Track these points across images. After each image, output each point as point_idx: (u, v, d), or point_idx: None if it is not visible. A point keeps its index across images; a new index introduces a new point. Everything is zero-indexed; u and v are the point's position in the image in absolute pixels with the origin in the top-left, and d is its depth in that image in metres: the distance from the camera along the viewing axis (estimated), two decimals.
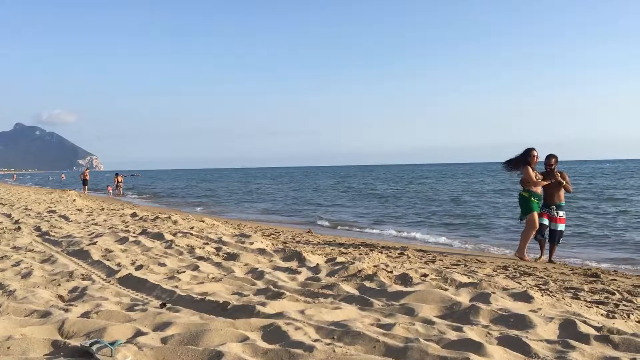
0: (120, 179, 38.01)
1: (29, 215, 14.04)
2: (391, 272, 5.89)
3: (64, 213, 14.43)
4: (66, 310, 4.29)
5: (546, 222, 9.03)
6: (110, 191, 38.52)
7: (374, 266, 6.29)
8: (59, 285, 5.47)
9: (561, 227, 9.07)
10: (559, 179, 8.93)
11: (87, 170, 40.47)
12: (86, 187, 37.81)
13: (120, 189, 37.54)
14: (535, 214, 8.89)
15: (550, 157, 9.12)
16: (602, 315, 4.44)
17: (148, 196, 36.92)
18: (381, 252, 8.55)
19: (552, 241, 9.02)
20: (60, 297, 5.04)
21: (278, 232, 12.62)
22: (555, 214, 9.00)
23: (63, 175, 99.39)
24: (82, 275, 6.01)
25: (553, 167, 9.04)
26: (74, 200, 22.06)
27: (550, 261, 8.86)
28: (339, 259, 6.82)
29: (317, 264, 6.55)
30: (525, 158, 9.00)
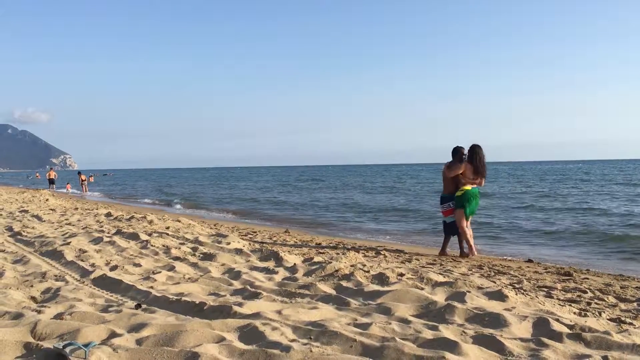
0: (83, 177, 38.78)
1: (1, 215, 13.78)
2: (368, 271, 5.91)
3: (37, 213, 14.19)
4: (39, 312, 4.22)
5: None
6: (69, 189, 39.20)
7: (351, 266, 6.31)
8: (32, 286, 5.38)
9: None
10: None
11: (52, 170, 41.04)
12: (53, 185, 38.40)
13: (85, 187, 38.18)
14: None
15: (463, 148, 9.14)
16: (574, 313, 4.52)
17: (122, 196, 36.64)
18: (358, 252, 8.58)
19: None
20: (33, 299, 4.95)
21: (255, 232, 12.58)
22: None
23: (37, 174, 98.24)
24: (55, 276, 5.92)
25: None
26: (47, 199, 21.71)
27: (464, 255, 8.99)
28: (316, 259, 6.82)
29: (294, 264, 6.54)
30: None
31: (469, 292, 4.85)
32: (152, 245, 8.04)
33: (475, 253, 9.01)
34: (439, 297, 4.75)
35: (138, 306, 4.48)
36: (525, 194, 28.19)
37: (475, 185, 8.86)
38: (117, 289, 5.28)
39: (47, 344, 3.37)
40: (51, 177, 39.61)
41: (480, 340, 3.51)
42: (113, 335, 3.57)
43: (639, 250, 10.49)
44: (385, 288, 5.08)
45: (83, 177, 39.12)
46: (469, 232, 8.95)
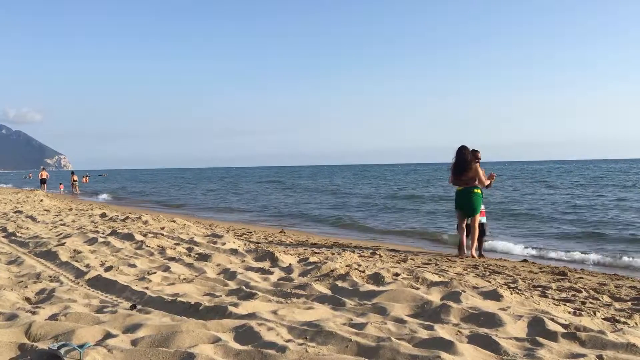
0: (75, 177, 39.27)
1: None
2: (363, 271, 5.91)
3: (31, 213, 14.13)
4: (33, 313, 4.20)
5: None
6: (62, 189, 39.84)
7: (347, 266, 6.30)
8: (26, 287, 5.35)
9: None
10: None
11: (44, 170, 41.32)
12: (45, 185, 38.71)
13: (76, 187, 38.70)
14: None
15: (476, 151, 9.12)
16: (569, 312, 4.53)
17: (116, 196, 36.69)
18: (353, 252, 8.57)
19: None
20: (27, 300, 4.93)
21: (250, 232, 12.58)
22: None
23: (30, 174, 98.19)
24: (50, 276, 5.90)
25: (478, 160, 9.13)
26: (41, 200, 21.64)
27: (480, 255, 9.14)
28: (312, 259, 6.81)
29: (290, 264, 6.54)
30: (474, 158, 8.99)
31: (464, 291, 4.86)
32: (147, 246, 8.01)
33: (465, 254, 9.02)
34: (435, 296, 4.76)
35: (133, 307, 4.47)
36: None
37: (469, 185, 8.91)
38: (112, 290, 5.26)
39: (41, 345, 3.36)
40: (43, 177, 39.90)
41: (476, 340, 3.51)
42: (108, 336, 3.56)
43: None
44: (381, 288, 5.08)
45: (75, 177, 39.54)
46: (465, 231, 9.03)
